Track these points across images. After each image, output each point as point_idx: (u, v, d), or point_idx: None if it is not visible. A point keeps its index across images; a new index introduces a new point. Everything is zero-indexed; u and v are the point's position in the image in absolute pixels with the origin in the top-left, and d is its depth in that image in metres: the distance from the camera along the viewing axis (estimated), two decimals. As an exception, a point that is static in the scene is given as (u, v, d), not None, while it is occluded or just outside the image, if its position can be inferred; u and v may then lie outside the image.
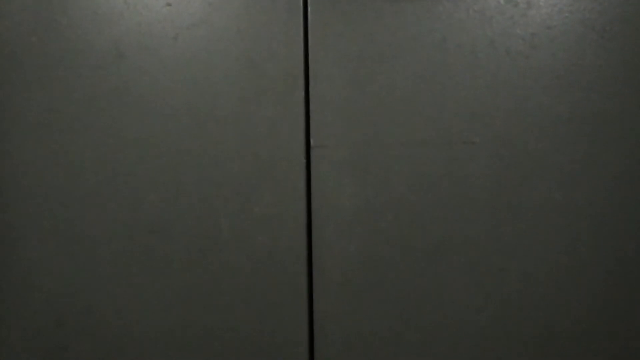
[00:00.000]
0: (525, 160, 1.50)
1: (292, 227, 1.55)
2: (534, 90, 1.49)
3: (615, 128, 1.48)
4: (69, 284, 1.59)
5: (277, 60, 1.54)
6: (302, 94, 1.54)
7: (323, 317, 1.55)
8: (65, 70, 1.57)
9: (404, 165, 1.53)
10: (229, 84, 1.55)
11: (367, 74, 1.53)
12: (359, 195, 1.54)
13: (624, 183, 1.48)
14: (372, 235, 1.54)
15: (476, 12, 1.50)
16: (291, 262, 1.55)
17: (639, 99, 1.47)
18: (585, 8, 1.48)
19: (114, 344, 1.59)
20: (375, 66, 1.53)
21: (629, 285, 1.49)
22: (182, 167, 1.57)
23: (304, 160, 1.54)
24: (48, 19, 1.57)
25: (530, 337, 1.52)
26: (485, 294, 1.52)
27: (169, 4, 1.56)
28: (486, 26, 1.50)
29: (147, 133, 1.57)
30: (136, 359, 1.59)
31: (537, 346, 1.51)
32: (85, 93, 1.57)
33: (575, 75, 1.48)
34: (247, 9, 1.55)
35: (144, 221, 1.57)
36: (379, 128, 1.53)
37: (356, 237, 1.54)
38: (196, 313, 1.57)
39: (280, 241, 1.55)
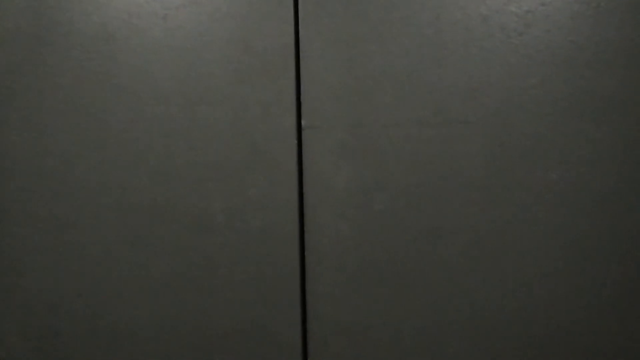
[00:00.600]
0: (520, 139, 1.48)
1: (285, 210, 1.54)
2: (529, 68, 1.47)
3: (611, 105, 1.45)
4: (61, 269, 1.59)
5: (267, 41, 1.52)
6: (294, 74, 1.52)
7: (316, 300, 1.54)
8: (53, 53, 1.56)
9: (398, 146, 1.51)
10: (219, 65, 1.54)
11: (360, 53, 1.51)
12: (351, 176, 1.52)
13: (620, 162, 1.46)
14: (365, 217, 1.52)
15: (470, -11, 1.47)
16: (284, 245, 1.54)
17: (635, 74, 1.44)
18: (581, -17, 1.45)
19: (106, 328, 1.59)
20: (367, 45, 1.51)
21: (626, 264, 1.47)
22: (173, 150, 1.55)
23: (295, 142, 1.52)
24: (35, 0, 1.55)
25: (527, 319, 1.50)
26: (480, 275, 1.51)
27: (158, -15, 1.54)
28: (480, 3, 1.48)
29: (137, 116, 1.56)
30: (129, 342, 1.59)
31: (533, 327, 1.50)
32: (74, 76, 1.56)
33: (570, 52, 1.45)
34: (237, -11, 1.53)
35: (135, 205, 1.57)
36: (371, 108, 1.51)
37: (349, 219, 1.53)
38: (189, 296, 1.57)
39: (273, 223, 1.54)
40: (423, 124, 1.50)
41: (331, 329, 1.54)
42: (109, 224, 1.58)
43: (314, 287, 1.54)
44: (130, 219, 1.57)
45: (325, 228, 1.53)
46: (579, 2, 1.44)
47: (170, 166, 1.56)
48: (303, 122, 1.52)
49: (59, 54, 1.56)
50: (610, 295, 1.48)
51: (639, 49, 1.43)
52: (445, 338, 1.52)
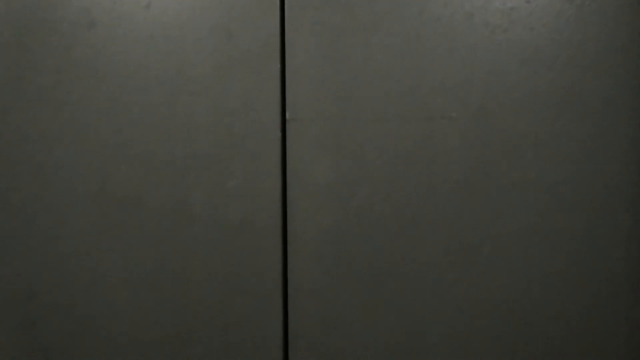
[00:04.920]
0: (501, 136, 1.49)
1: (267, 202, 1.53)
2: (512, 65, 1.48)
3: (592, 104, 1.47)
4: (38, 258, 1.56)
5: (252, 31, 1.52)
6: (278, 66, 1.52)
7: (297, 292, 1.54)
8: (34, 39, 1.53)
9: (380, 140, 1.51)
10: (202, 54, 1.52)
11: (344, 46, 1.51)
12: (334, 170, 1.52)
13: (599, 161, 1.48)
14: (346, 210, 1.53)
15: (455, -15, 1.48)
16: (265, 237, 1.54)
17: (617, 73, 1.46)
18: (564, -18, 1.47)
19: (83, 319, 1.57)
20: (351, 38, 1.51)
21: (601, 261, 1.50)
22: (153, 139, 1.54)
23: (279, 134, 1.52)
24: (16, -16, 1.53)
25: (505, 311, 1.52)
26: (457, 269, 1.52)
27: (141, -28, 1.53)
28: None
29: (117, 104, 1.54)
30: (106, 333, 1.57)
31: (512, 319, 1.52)
32: (55, 62, 1.53)
33: (553, 50, 1.47)
34: (222, -21, 1.52)
35: (114, 194, 1.55)
36: (355, 102, 1.51)
37: (331, 212, 1.53)
38: (168, 288, 1.55)
39: (255, 216, 1.54)
40: (404, 119, 1.51)
41: (312, 320, 1.54)
42: (87, 213, 1.55)
43: (295, 280, 1.54)
44: (108, 209, 1.55)
45: (307, 221, 1.53)
46: (563, 0, 1.46)
47: (149, 156, 1.54)
48: (287, 115, 1.52)
49: (39, 40, 1.53)
50: (587, 290, 1.50)
51: (620, 48, 1.46)
52: (424, 331, 1.53)
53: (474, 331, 1.52)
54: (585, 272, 1.50)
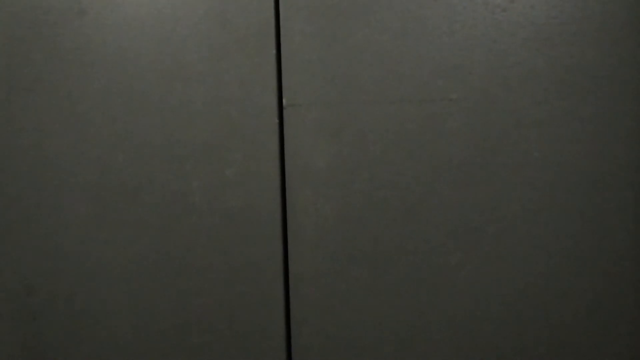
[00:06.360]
0: (503, 117, 1.47)
1: (266, 189, 1.51)
2: (513, 45, 1.45)
3: (594, 83, 1.44)
4: (37, 251, 1.55)
5: (247, 15, 1.48)
6: (274, 50, 1.49)
7: (298, 279, 1.53)
8: (24, 28, 1.50)
9: (380, 123, 1.49)
10: (197, 40, 1.49)
11: (341, 29, 1.48)
12: (333, 155, 1.50)
13: (603, 140, 1.46)
14: (347, 195, 1.51)
15: (453, -37, 1.45)
16: (265, 225, 1.52)
17: (619, 51, 1.43)
18: (565, -42, 1.44)
19: (84, 312, 1.56)
20: (349, 21, 1.48)
21: (607, 241, 1.48)
22: (150, 128, 1.51)
23: (276, 120, 1.49)
24: (3, -27, 1.49)
25: (507, 294, 1.51)
26: (462, 253, 1.50)
27: (131, -43, 1.49)
28: (463, -22, 1.45)
29: (111, 93, 1.51)
30: (107, 326, 1.56)
31: (513, 302, 1.51)
32: (46, 51, 1.50)
33: (554, 29, 1.44)
34: (214, -38, 1.48)
35: (112, 184, 1.53)
36: (353, 85, 1.49)
37: (331, 197, 1.51)
38: (167, 278, 1.54)
39: (254, 203, 1.52)
40: (404, 101, 1.49)
41: (314, 307, 1.53)
42: (84, 203, 1.54)
43: (296, 267, 1.52)
44: (106, 199, 1.53)
45: (307, 207, 1.51)
46: (564, -22, 1.43)
47: (146, 145, 1.52)
48: (284, 100, 1.49)
49: (30, 29, 1.50)
50: (592, 271, 1.49)
51: (622, 25, 1.43)
52: (427, 317, 1.52)
53: (478, 315, 1.51)
54: (590, 253, 1.48)
